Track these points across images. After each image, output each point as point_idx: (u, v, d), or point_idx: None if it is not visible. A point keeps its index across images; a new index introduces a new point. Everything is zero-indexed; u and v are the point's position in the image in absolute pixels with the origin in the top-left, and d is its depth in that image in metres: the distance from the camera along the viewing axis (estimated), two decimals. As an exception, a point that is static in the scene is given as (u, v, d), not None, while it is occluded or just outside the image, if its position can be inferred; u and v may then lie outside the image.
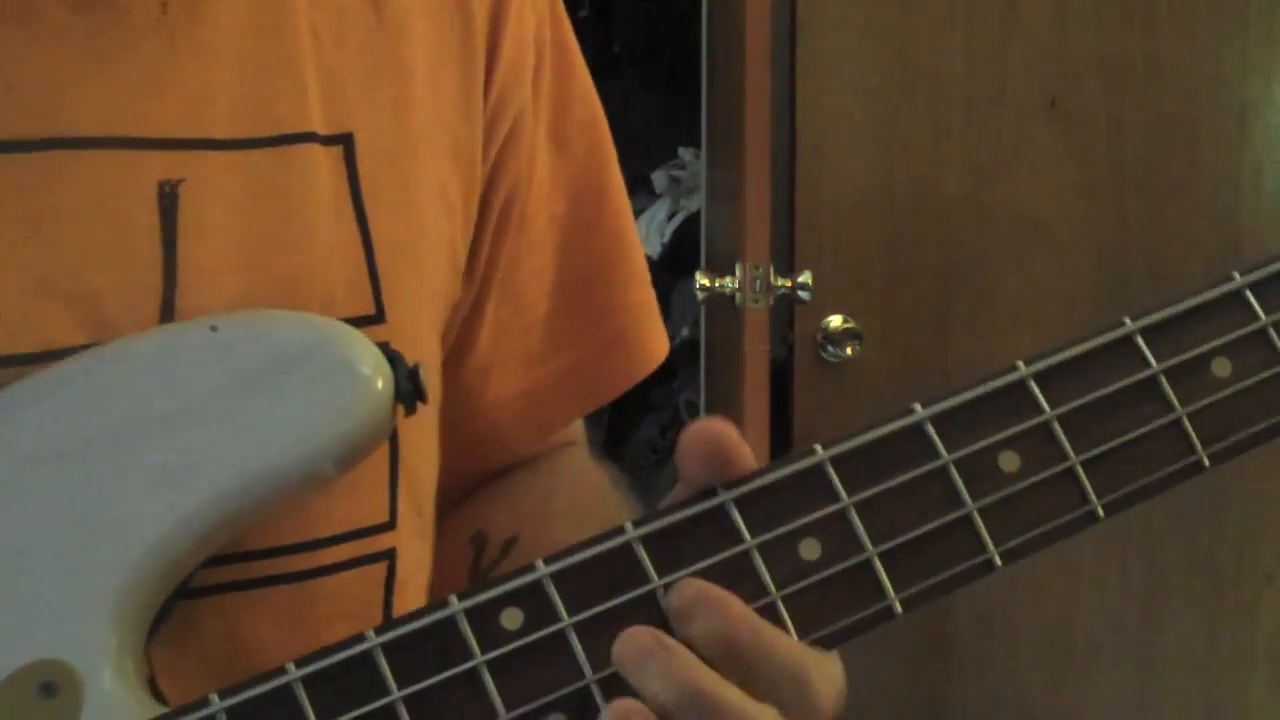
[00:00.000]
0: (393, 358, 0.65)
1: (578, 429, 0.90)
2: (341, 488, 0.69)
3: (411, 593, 0.74)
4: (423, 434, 0.75)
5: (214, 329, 0.63)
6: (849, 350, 2.18)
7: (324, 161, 0.71)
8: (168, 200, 0.66)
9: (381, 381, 0.64)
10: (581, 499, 0.84)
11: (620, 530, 0.62)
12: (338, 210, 0.70)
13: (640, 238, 2.95)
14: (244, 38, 0.70)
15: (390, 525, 0.72)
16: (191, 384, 0.62)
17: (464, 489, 0.85)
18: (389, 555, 0.72)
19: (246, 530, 0.65)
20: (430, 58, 0.75)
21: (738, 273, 2.00)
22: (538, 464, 0.88)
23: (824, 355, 2.18)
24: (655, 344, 0.88)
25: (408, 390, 0.65)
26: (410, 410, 0.66)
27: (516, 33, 0.79)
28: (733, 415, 2.08)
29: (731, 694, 0.59)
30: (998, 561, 0.63)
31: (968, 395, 0.64)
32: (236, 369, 0.63)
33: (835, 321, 2.17)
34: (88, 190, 0.65)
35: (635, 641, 0.60)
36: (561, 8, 0.84)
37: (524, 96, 0.80)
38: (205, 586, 0.66)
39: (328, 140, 0.71)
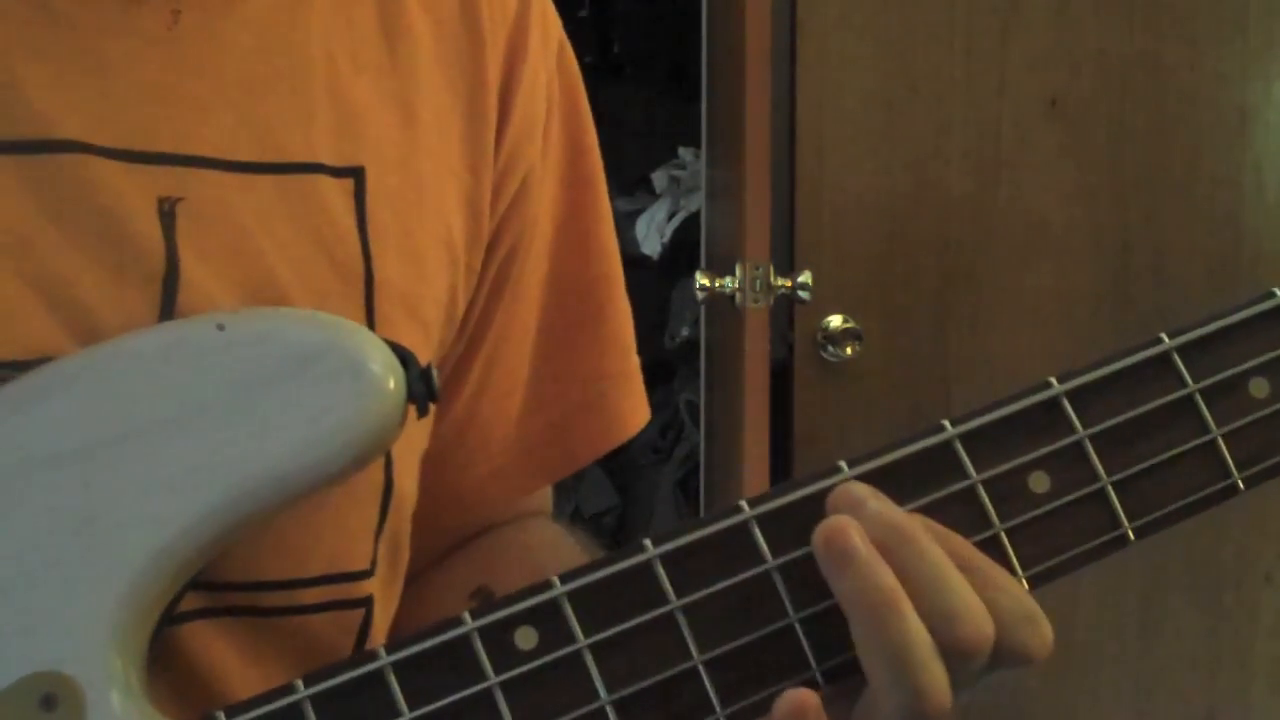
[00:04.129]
0: (404, 357, 0.63)
1: (546, 498, 0.89)
2: (329, 530, 0.68)
3: (379, 641, 0.73)
4: (413, 482, 0.74)
5: (221, 327, 0.61)
6: (849, 350, 2.17)
7: (334, 194, 0.69)
8: (166, 218, 0.64)
9: (393, 381, 0.61)
10: (572, 556, 0.81)
11: (639, 548, 0.61)
12: (343, 244, 0.69)
13: (640, 238, 2.93)
14: (254, 59, 0.68)
15: (369, 573, 0.71)
16: (198, 384, 0.60)
17: (431, 549, 0.83)
18: (366, 603, 0.71)
19: (240, 543, 0.63)
20: (438, 105, 0.74)
21: (738, 273, 2.00)
22: (526, 524, 0.86)
23: (824, 355, 2.17)
24: (629, 414, 0.86)
25: (420, 391, 0.63)
26: (422, 412, 0.64)
27: (529, 91, 0.78)
28: (733, 415, 2.09)
29: (936, 547, 0.60)
30: (1025, 585, 0.63)
31: (998, 413, 0.63)
32: (244, 369, 0.60)
33: (835, 321, 2.17)
34: (85, 197, 0.63)
35: (850, 490, 0.61)
36: (572, 60, 0.83)
37: (534, 155, 0.78)
38: (181, 612, 0.64)
39: (338, 172, 0.69)
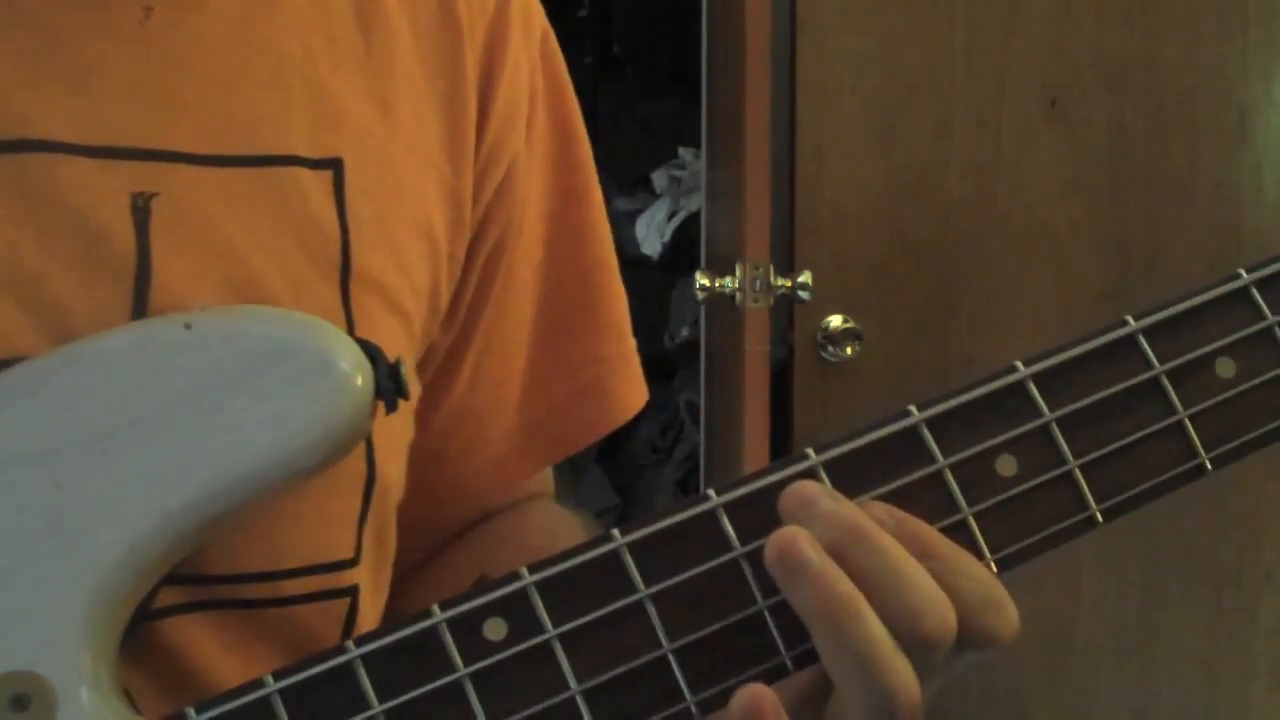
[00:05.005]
0: (372, 354, 0.63)
1: (547, 480, 0.89)
2: (310, 520, 0.68)
3: (367, 629, 0.72)
4: (399, 470, 0.74)
5: (188, 326, 0.61)
6: (849, 350, 2.17)
7: (312, 185, 0.69)
8: (140, 214, 0.64)
9: (361, 379, 0.62)
10: (569, 539, 0.83)
11: (607, 538, 0.61)
12: (321, 236, 0.69)
13: (640, 238, 2.93)
14: (228, 54, 0.68)
15: (354, 562, 0.71)
16: (167, 384, 0.60)
17: (433, 540, 0.83)
18: (351, 592, 0.71)
19: (215, 537, 0.63)
20: (416, 98, 0.74)
21: (738, 273, 2.00)
22: (525, 509, 0.86)
23: (824, 355, 2.18)
24: (628, 396, 0.86)
25: (388, 387, 0.63)
26: (391, 408, 0.64)
27: (511, 81, 0.78)
28: (733, 415, 2.09)
29: (892, 541, 0.59)
30: (994, 568, 0.62)
31: (965, 397, 0.63)
32: (213, 368, 0.61)
33: (835, 321, 2.17)
34: (57, 197, 0.63)
35: (800, 489, 0.60)
36: (556, 51, 0.83)
37: (518, 144, 0.79)
38: (164, 607, 0.64)
39: (316, 164, 0.69)
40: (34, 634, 0.58)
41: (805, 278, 2.03)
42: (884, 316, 2.19)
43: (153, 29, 0.66)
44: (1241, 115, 2.24)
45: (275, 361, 0.61)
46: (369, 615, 0.73)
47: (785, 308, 2.13)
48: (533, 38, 0.81)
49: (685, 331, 2.67)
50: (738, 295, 2.00)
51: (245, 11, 0.69)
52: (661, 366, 2.77)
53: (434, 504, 0.80)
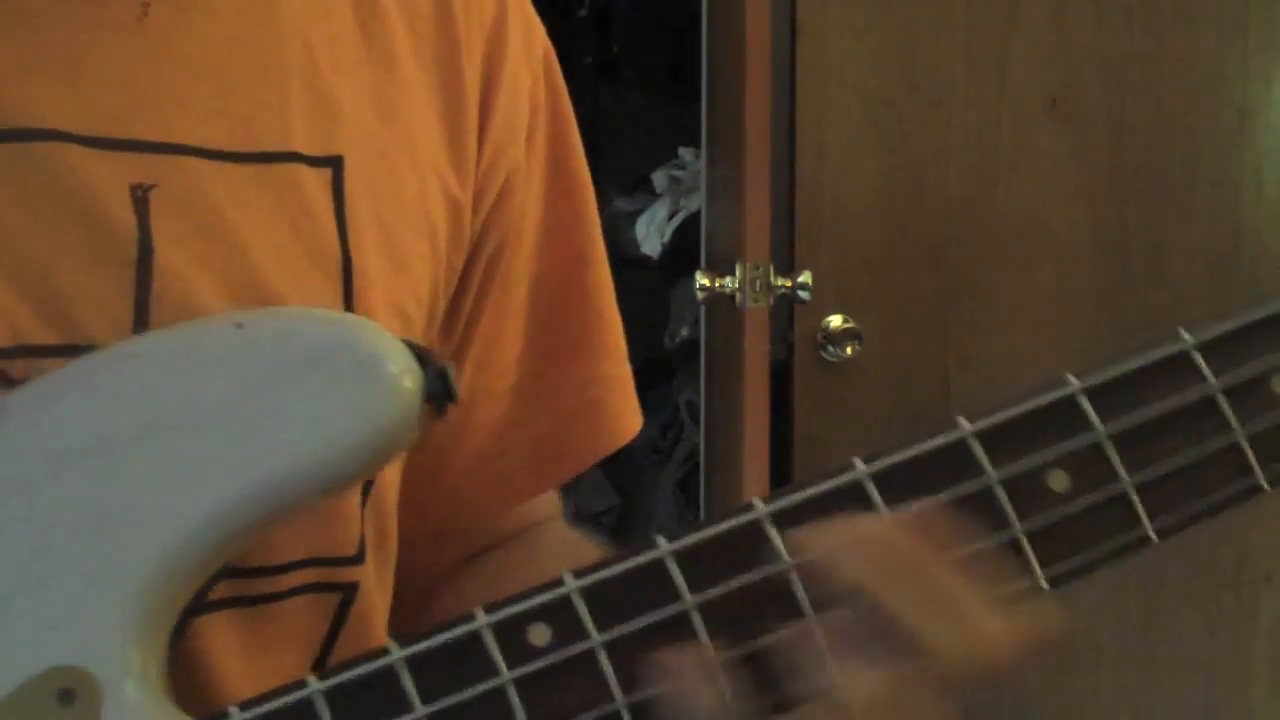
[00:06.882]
0: (422, 356, 0.63)
1: (553, 502, 0.88)
2: (312, 518, 0.68)
3: (366, 627, 0.72)
4: (394, 471, 0.74)
5: (239, 326, 0.61)
6: (849, 350, 2.17)
7: (312, 183, 0.69)
8: (140, 204, 0.64)
9: (410, 381, 0.62)
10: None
11: (653, 545, 0.60)
12: (320, 233, 0.69)
13: (640, 238, 2.92)
14: (226, 51, 0.68)
15: (357, 560, 0.71)
16: (217, 382, 0.61)
17: (443, 559, 0.83)
18: (348, 589, 0.71)
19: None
20: (418, 102, 0.74)
21: (738, 273, 2.00)
22: (529, 541, 0.85)
23: (824, 355, 2.18)
24: (625, 419, 0.85)
25: (438, 390, 0.63)
26: (440, 412, 0.64)
27: (511, 92, 0.78)
28: (733, 415, 2.09)
29: (943, 567, 0.58)
30: (1044, 586, 0.61)
31: (1015, 411, 0.62)
32: (263, 367, 0.61)
33: (835, 321, 2.17)
34: (59, 184, 0.63)
35: (844, 528, 0.58)
36: (557, 69, 0.83)
37: (517, 156, 0.78)
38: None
39: (316, 161, 0.69)
40: (81, 629, 0.58)
41: (805, 278, 2.03)
42: (884, 316, 2.19)
43: (150, 25, 0.66)
44: (1241, 115, 2.24)
45: (324, 363, 0.61)
46: (377, 613, 0.73)
47: (785, 308, 2.13)
48: (534, 54, 0.81)
49: (685, 331, 2.67)
50: (738, 295, 2.01)
51: (243, 12, 0.69)
52: (661, 366, 2.78)
53: (438, 519, 0.80)
